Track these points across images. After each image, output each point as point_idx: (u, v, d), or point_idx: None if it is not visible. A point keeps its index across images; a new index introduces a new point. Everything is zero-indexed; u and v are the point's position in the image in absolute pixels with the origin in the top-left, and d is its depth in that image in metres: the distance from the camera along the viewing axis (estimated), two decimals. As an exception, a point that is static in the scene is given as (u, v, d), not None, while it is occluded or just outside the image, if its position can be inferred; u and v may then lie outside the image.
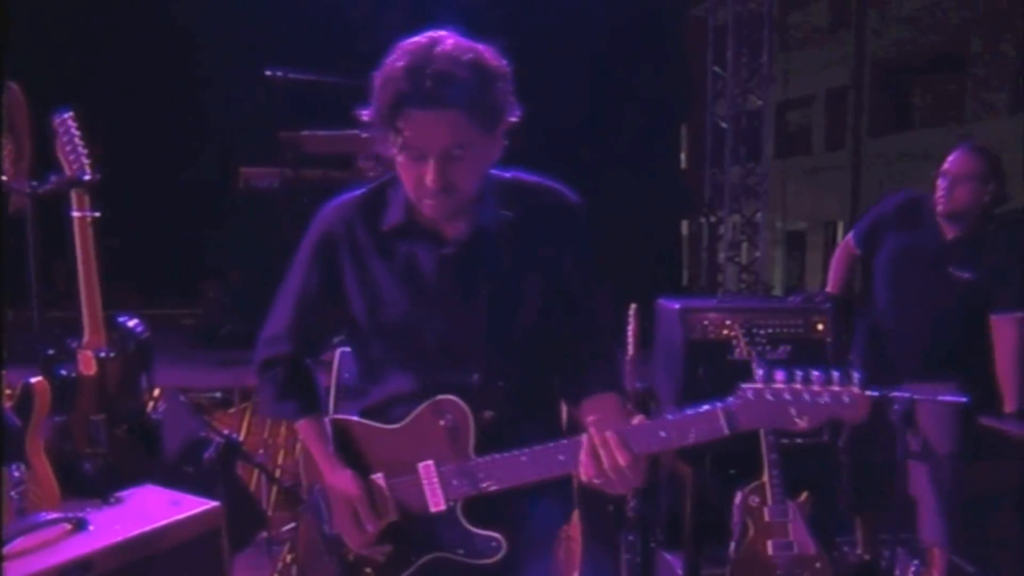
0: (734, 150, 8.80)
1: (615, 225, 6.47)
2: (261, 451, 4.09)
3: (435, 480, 1.67)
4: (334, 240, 1.74)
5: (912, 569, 3.09)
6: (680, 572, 3.19)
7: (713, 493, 3.12)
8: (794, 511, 2.90)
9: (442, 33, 1.55)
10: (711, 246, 9.71)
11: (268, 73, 4.53)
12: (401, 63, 1.51)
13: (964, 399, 2.83)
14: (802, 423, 1.41)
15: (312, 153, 4.49)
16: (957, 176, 3.07)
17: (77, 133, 2.66)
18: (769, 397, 1.42)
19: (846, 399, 1.38)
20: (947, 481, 3.07)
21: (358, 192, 1.77)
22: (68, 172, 2.64)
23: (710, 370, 3.27)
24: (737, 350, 3.03)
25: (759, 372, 1.44)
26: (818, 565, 2.88)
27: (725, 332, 3.19)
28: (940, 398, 2.85)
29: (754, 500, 2.92)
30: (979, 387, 3.04)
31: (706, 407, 1.47)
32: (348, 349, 1.95)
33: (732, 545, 2.99)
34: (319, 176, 4.63)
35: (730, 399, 1.45)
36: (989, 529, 3.34)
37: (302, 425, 1.81)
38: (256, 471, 3.58)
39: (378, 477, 1.73)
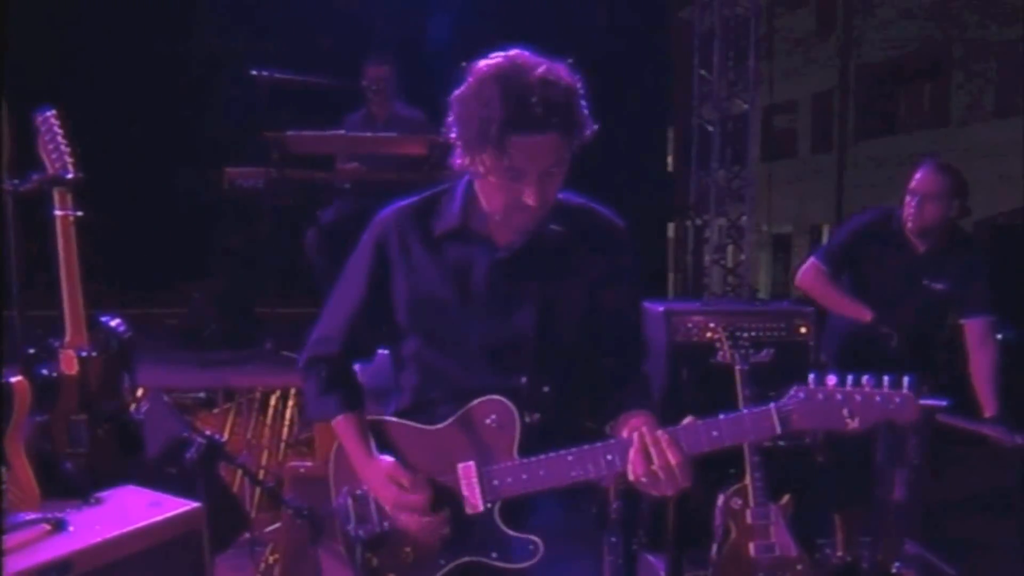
0: (720, 153, 8.80)
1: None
2: (244, 452, 4.08)
3: (474, 481, 1.66)
4: (386, 244, 1.78)
5: (893, 570, 3.12)
6: (663, 574, 3.19)
7: (695, 495, 3.13)
8: (776, 513, 2.91)
9: (520, 54, 1.59)
10: (697, 249, 9.72)
11: (254, 73, 4.52)
12: (496, 90, 1.53)
13: (944, 403, 2.87)
14: (853, 424, 1.44)
15: (297, 153, 4.48)
16: (925, 195, 3.20)
17: (59, 131, 2.65)
18: (821, 397, 1.44)
19: (897, 400, 1.42)
20: (915, 480, 3.13)
21: (412, 199, 1.81)
22: (50, 170, 2.62)
23: (693, 373, 3.29)
24: (720, 353, 3.05)
25: (811, 375, 1.45)
26: (800, 567, 2.89)
27: (708, 335, 3.21)
28: (921, 402, 2.88)
29: (736, 502, 2.93)
30: (951, 388, 3.10)
31: (759, 407, 1.49)
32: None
33: (714, 547, 3.00)
34: (303, 176, 4.63)
35: (783, 399, 1.47)
36: (967, 531, 3.37)
37: (340, 422, 1.81)
38: (239, 472, 3.56)
39: None
